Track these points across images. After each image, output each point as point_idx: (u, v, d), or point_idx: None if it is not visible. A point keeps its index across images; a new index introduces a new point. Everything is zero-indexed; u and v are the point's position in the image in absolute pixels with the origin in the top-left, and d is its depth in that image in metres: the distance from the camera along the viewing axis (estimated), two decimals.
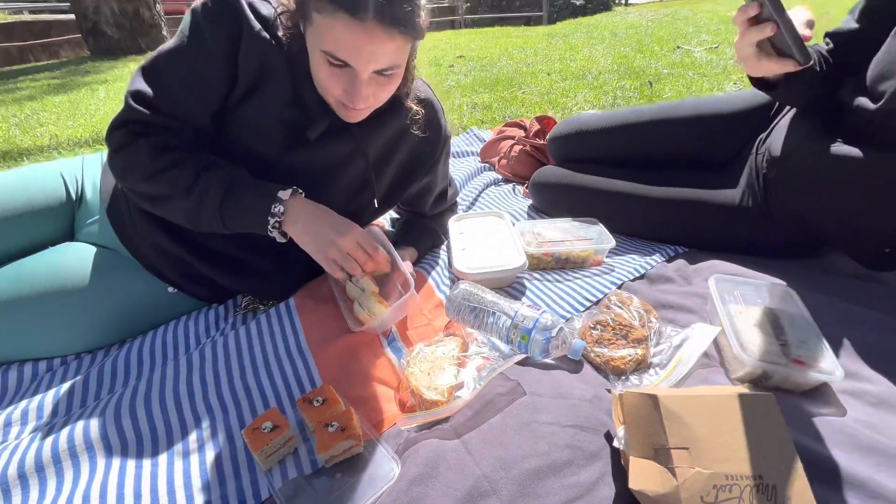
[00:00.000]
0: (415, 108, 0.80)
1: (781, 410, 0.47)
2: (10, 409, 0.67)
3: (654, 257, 0.94)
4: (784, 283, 0.79)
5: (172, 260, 0.79)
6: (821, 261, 0.92)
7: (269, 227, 0.69)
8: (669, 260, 0.93)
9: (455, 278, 0.88)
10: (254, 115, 0.70)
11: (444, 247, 1.02)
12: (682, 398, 0.47)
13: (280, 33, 0.67)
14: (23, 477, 0.55)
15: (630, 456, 0.47)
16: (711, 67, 2.87)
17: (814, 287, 0.82)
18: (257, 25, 0.66)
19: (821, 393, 0.63)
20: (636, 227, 1.00)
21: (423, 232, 0.99)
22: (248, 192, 0.69)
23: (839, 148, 0.74)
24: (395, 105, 0.78)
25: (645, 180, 0.99)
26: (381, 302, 0.74)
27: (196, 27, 0.65)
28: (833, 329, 0.70)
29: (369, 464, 0.55)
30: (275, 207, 0.68)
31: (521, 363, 0.68)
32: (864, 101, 0.72)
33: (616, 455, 0.53)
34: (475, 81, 2.94)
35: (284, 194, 0.69)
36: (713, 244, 0.94)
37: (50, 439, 0.59)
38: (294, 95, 0.70)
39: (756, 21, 0.65)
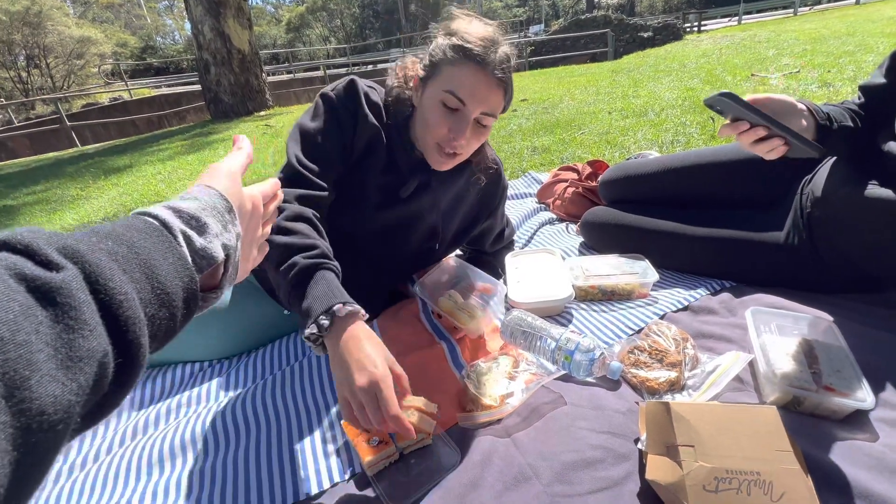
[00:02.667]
0: (481, 176, 0.98)
1: (810, 432, 0.54)
2: (179, 395, 0.92)
3: (699, 290, 1.00)
4: (831, 318, 0.82)
5: None
6: (879, 297, 0.93)
7: (307, 333, 0.64)
8: (714, 293, 0.99)
9: (509, 307, 1.02)
10: (359, 180, 0.91)
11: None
12: (691, 405, 0.56)
13: (384, 113, 0.88)
14: (193, 441, 0.78)
15: (648, 453, 0.57)
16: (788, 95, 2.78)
17: (867, 322, 0.84)
18: (367, 111, 0.87)
19: (856, 420, 0.66)
20: (682, 264, 1.07)
21: (483, 267, 1.15)
22: (317, 287, 0.68)
23: (873, 190, 0.79)
24: (463, 166, 0.97)
25: (690, 220, 1.07)
26: (473, 311, 0.91)
27: (332, 109, 0.84)
28: (877, 360, 0.73)
29: (437, 453, 0.70)
30: (322, 319, 0.63)
31: (565, 380, 0.80)
32: (893, 147, 0.77)
33: (641, 457, 0.63)
34: (536, 125, 3.12)
35: (341, 310, 0.64)
36: (762, 280, 0.98)
37: (210, 417, 0.82)
38: (389, 163, 0.90)
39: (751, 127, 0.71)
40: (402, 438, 0.68)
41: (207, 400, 0.90)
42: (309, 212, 0.79)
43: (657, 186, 1.16)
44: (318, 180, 0.84)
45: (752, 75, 3.78)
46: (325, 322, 0.63)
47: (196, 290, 0.34)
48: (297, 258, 0.70)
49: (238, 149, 0.48)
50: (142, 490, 0.71)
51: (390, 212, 0.94)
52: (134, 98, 9.01)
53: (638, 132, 2.49)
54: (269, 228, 0.51)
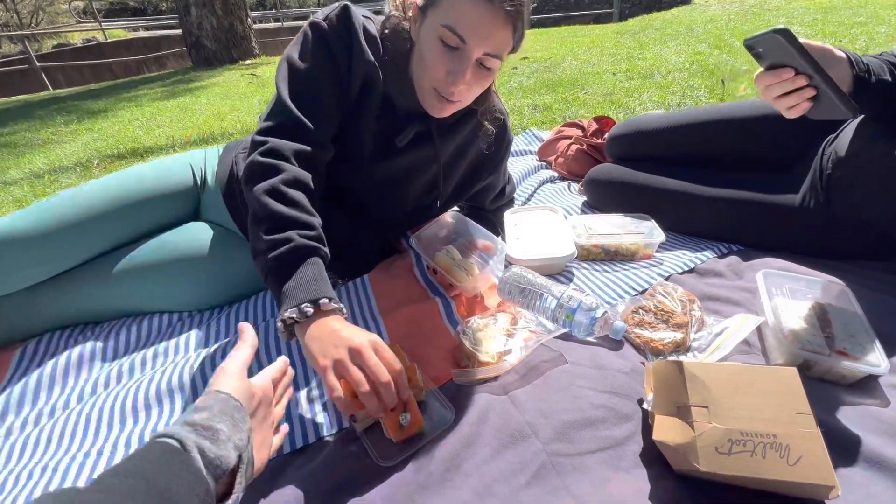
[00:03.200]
0: (489, 126, 0.89)
1: (820, 397, 0.51)
2: (155, 346, 0.86)
3: (705, 253, 0.96)
4: (843, 283, 0.79)
5: None
6: (893, 264, 0.89)
7: (283, 316, 0.59)
8: (721, 256, 0.95)
9: (508, 264, 0.97)
10: (352, 127, 0.81)
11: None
12: (705, 364, 0.53)
13: (381, 48, 0.77)
14: (170, 392, 0.73)
15: (655, 414, 0.54)
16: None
17: (879, 288, 0.81)
18: (364, 45, 0.75)
19: (866, 386, 0.64)
20: (690, 225, 1.02)
21: (481, 224, 1.09)
22: (307, 272, 0.62)
23: None
24: (467, 116, 0.88)
25: (700, 180, 1.02)
26: (471, 268, 0.86)
27: (323, 41, 0.73)
28: (891, 326, 0.70)
29: (430, 409, 0.66)
30: (306, 307, 0.59)
31: (566, 339, 0.76)
32: None
33: (646, 417, 0.60)
34: (537, 83, 2.99)
35: (327, 305, 0.60)
36: (771, 245, 0.94)
37: (187, 368, 0.77)
38: (385, 108, 0.80)
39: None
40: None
41: (186, 350, 0.85)
42: (308, 178, 0.72)
43: (668, 143, 1.09)
44: (316, 133, 0.75)
45: None
46: (308, 310, 0.59)
47: (212, 499, 0.39)
48: (293, 234, 0.64)
49: (242, 342, 0.54)
50: (114, 439, 0.67)
51: (386, 164, 0.86)
52: (109, 40, 8.44)
53: (643, 94, 2.39)
54: (281, 409, 0.58)
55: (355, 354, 0.55)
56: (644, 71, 2.98)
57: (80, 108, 3.87)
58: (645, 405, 0.58)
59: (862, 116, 0.87)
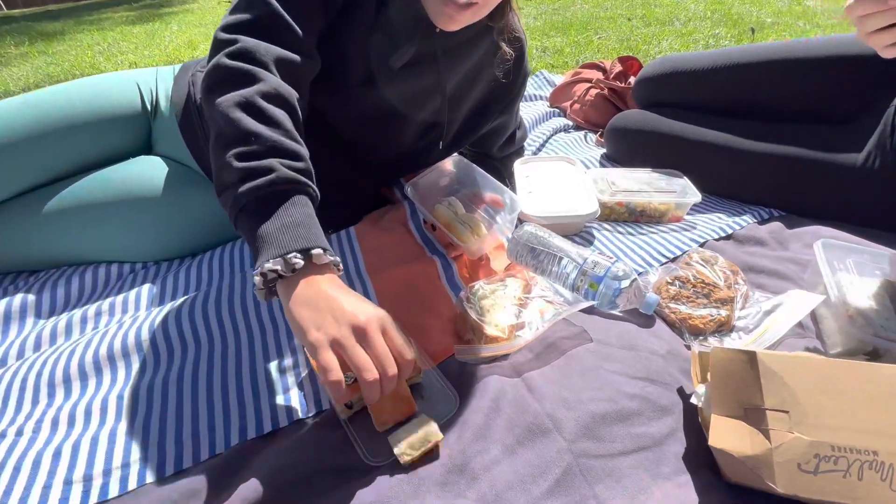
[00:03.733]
0: (507, 49, 0.72)
1: None
2: (99, 302, 0.72)
3: (744, 217, 0.84)
4: None
5: None
6: None
7: (264, 268, 0.44)
8: (762, 222, 0.83)
9: (520, 221, 0.84)
10: (337, 43, 0.64)
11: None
12: (785, 357, 0.42)
13: None
14: (111, 359, 0.60)
15: (712, 414, 0.43)
16: (828, 17, 2.47)
17: None
18: None
19: None
20: (729, 184, 0.89)
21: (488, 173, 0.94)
22: (292, 213, 0.47)
23: None
24: (479, 35, 0.71)
25: (742, 132, 0.88)
26: (477, 226, 0.72)
27: None
28: None
29: (429, 394, 0.54)
30: (294, 258, 0.44)
31: (587, 312, 0.65)
32: None
33: (692, 413, 0.49)
34: (546, 25, 2.73)
35: (321, 257, 0.46)
36: (821, 211, 0.82)
37: (133, 329, 0.64)
38: (377, 17, 0.63)
39: None
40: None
41: (136, 308, 0.71)
42: (293, 95, 0.54)
43: (712, 86, 0.93)
44: (303, 38, 0.57)
45: None
46: (297, 262, 0.44)
47: None
48: (275, 162, 0.48)
49: None
50: (39, 415, 0.55)
51: (378, 91, 0.69)
52: None
53: (663, 41, 2.18)
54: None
55: (360, 334, 0.42)
56: (662, 17, 2.74)
57: (35, 28, 3.46)
58: (693, 399, 0.48)
59: None
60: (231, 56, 0.52)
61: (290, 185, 0.48)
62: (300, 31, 0.57)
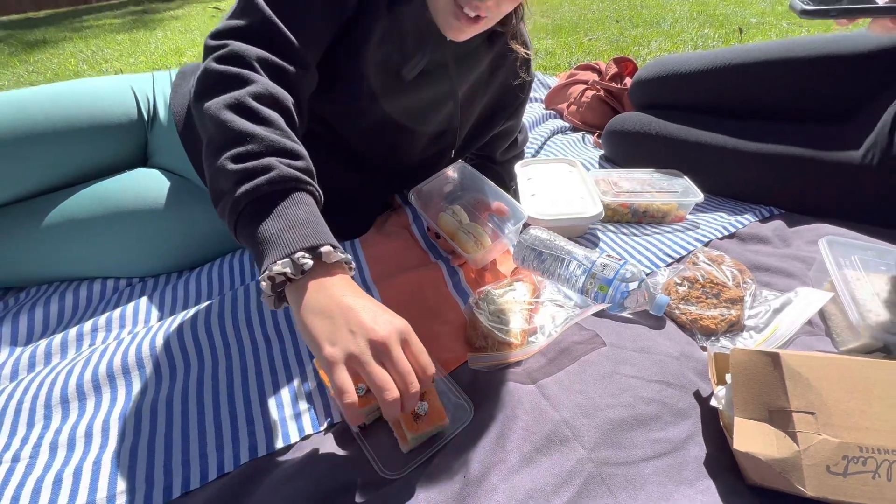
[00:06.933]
0: (520, 49, 0.72)
1: None
2: (94, 317, 0.70)
3: (745, 216, 0.84)
4: None
5: None
6: None
7: (271, 271, 0.41)
8: (764, 220, 0.84)
9: (524, 225, 0.83)
10: (347, 54, 0.62)
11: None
12: (809, 357, 0.41)
13: None
14: (111, 377, 0.58)
15: (735, 417, 0.43)
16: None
17: None
18: None
19: None
20: (729, 185, 0.90)
21: (491, 178, 0.94)
22: (295, 211, 0.44)
23: None
24: (490, 40, 0.71)
25: (740, 132, 0.88)
26: (481, 237, 0.71)
27: None
28: None
29: (443, 405, 0.53)
30: (302, 257, 0.42)
31: (597, 314, 0.64)
32: None
33: (711, 416, 0.49)
34: (535, 27, 2.74)
35: (330, 254, 0.43)
36: (821, 208, 0.83)
37: (133, 346, 0.61)
38: (390, 29, 0.62)
39: None
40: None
41: (134, 324, 0.69)
42: (287, 98, 0.52)
43: (706, 88, 0.94)
44: (299, 49, 0.55)
45: None
46: (305, 261, 0.41)
47: None
48: (273, 160, 0.45)
49: None
50: (36, 439, 0.52)
51: (389, 102, 0.68)
52: None
53: (652, 42, 2.20)
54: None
55: (379, 350, 0.39)
56: (649, 19, 2.77)
57: (15, 37, 3.38)
58: (713, 402, 0.47)
59: None
60: (219, 60, 0.50)
61: (291, 183, 0.45)
62: (296, 42, 0.55)
